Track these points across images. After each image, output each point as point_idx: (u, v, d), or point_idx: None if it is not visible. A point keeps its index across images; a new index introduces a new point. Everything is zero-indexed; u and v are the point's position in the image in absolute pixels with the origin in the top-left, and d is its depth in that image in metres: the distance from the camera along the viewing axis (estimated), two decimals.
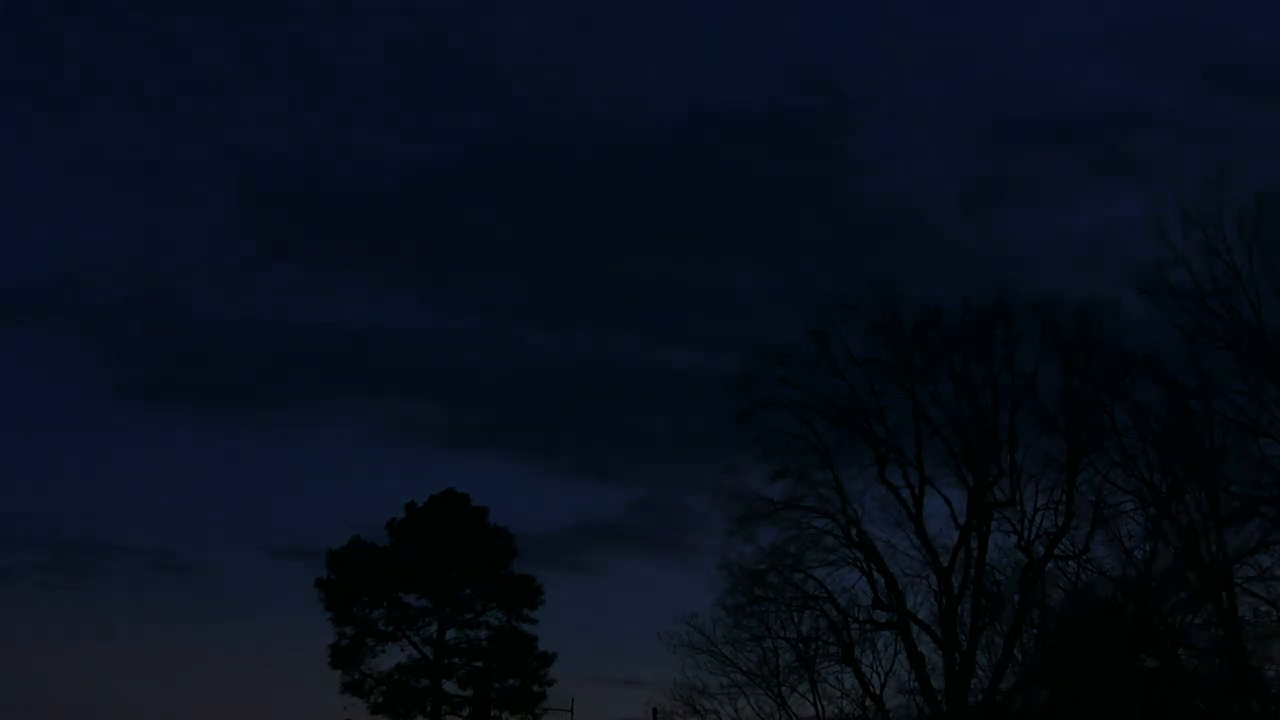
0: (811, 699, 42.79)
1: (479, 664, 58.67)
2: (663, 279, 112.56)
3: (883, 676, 41.85)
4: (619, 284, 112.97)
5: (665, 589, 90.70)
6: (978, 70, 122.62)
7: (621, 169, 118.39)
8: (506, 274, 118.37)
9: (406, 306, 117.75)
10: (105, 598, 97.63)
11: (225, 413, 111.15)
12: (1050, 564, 40.31)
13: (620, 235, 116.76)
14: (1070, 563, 40.26)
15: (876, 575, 41.74)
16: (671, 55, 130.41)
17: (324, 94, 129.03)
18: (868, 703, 41.87)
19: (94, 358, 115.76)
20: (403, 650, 58.83)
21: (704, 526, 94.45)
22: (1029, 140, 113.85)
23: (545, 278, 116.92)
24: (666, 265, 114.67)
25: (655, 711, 48.24)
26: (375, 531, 60.43)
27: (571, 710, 56.76)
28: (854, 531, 41.96)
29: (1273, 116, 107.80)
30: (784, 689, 42.91)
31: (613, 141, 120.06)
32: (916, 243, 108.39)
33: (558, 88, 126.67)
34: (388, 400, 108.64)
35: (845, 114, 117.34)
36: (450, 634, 59.10)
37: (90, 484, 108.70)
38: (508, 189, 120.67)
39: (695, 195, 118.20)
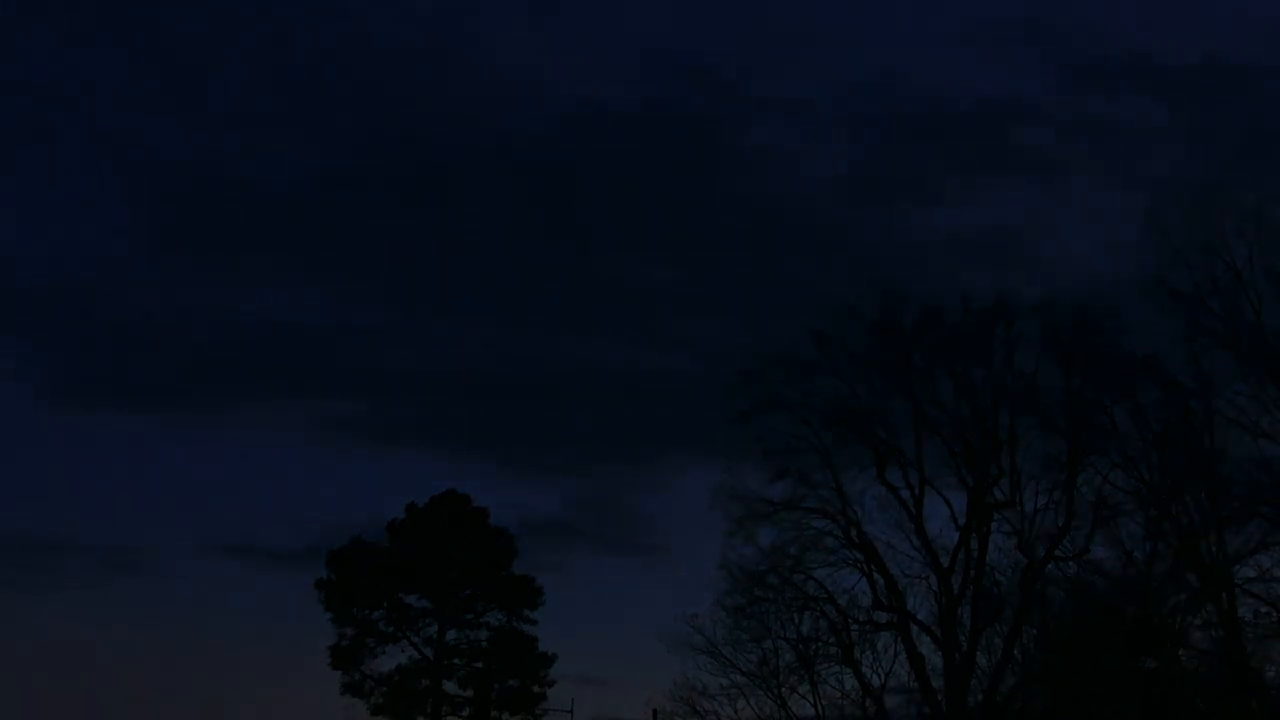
0: (811, 699, 42.82)
1: (479, 664, 58.68)
2: (569, 272, 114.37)
3: (883, 676, 41.91)
4: (527, 277, 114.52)
5: (614, 587, 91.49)
6: (851, 65, 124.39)
7: (508, 164, 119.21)
8: (412, 270, 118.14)
9: (323, 302, 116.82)
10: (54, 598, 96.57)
11: (147, 411, 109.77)
12: (1050, 564, 40.33)
13: (515, 229, 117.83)
14: (1070, 563, 40.29)
15: (876, 576, 41.78)
16: (548, 51, 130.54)
17: (217, 92, 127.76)
18: (868, 703, 41.86)
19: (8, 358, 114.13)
20: (403, 651, 58.88)
21: (653, 525, 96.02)
22: (909, 135, 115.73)
23: (449, 274, 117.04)
24: (568, 258, 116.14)
25: (655, 712, 48.29)
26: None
27: (572, 710, 56.86)
28: (854, 532, 42.00)
29: (1139, 108, 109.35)
30: (784, 689, 42.93)
31: (497, 140, 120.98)
32: (804, 238, 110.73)
33: (433, 85, 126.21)
34: (312, 398, 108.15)
35: (721, 109, 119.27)
36: (450, 634, 59.11)
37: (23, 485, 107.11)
38: (397, 187, 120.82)
39: (586, 190, 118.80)
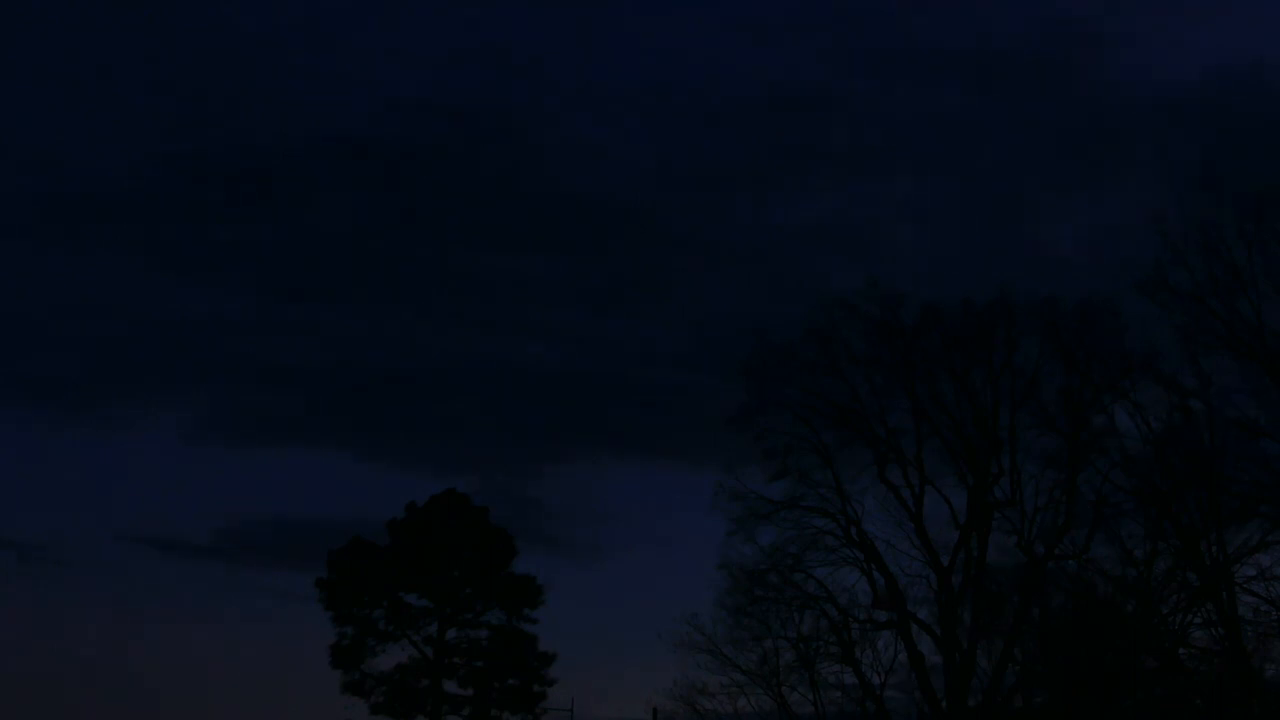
0: (811, 699, 42.81)
1: (479, 664, 58.66)
2: (425, 263, 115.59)
3: (883, 676, 41.92)
4: (392, 271, 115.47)
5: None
6: (659, 57, 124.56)
7: (346, 157, 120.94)
8: (275, 263, 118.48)
9: (196, 296, 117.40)
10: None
11: (38, 405, 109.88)
12: (1050, 564, 40.34)
13: (363, 221, 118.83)
14: (1070, 563, 40.30)
15: (876, 575, 41.85)
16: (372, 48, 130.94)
17: (95, 90, 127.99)
18: (868, 703, 41.87)
19: None
20: (403, 650, 58.87)
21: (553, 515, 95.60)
22: (722, 125, 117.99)
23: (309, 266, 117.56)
24: (418, 250, 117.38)
25: (655, 711, 48.31)
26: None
27: (572, 710, 56.87)
28: (854, 531, 42.06)
29: (938, 98, 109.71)
30: (784, 689, 42.92)
31: (333, 132, 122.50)
32: (626, 230, 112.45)
33: (267, 79, 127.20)
34: (201, 392, 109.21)
35: (541, 103, 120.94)
36: (450, 634, 59.08)
37: None
38: (239, 185, 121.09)
39: (426, 182, 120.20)
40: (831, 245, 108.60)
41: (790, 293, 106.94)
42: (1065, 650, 38.35)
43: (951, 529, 41.20)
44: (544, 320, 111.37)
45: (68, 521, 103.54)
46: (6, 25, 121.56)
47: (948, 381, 41.89)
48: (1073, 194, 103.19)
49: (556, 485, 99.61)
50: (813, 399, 42.65)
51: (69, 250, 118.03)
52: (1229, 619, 35.55)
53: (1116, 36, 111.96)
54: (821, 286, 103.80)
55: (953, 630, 40.28)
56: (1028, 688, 40.39)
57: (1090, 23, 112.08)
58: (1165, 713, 36.56)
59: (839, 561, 42.43)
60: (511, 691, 58.57)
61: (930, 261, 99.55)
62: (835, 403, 42.52)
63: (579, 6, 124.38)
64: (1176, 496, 37.10)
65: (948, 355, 41.94)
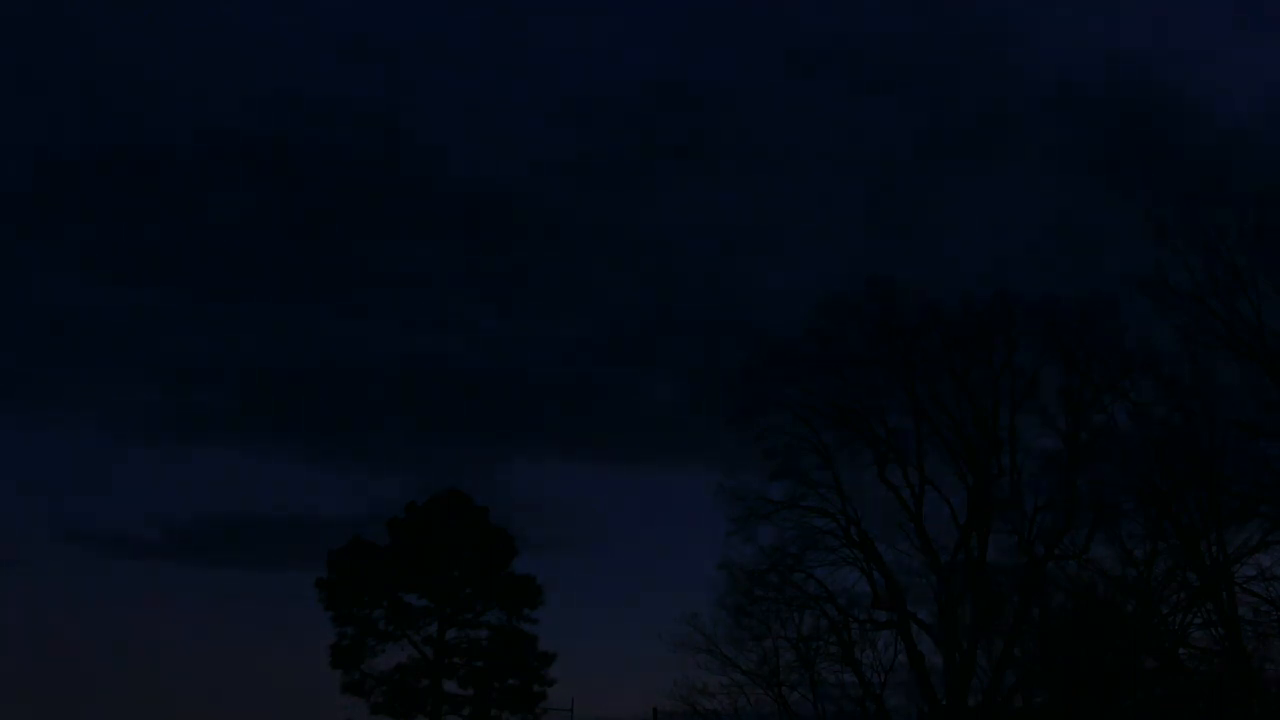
0: (811, 699, 42.81)
1: (479, 664, 58.68)
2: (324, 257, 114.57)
3: (883, 676, 41.93)
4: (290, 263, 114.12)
5: None
6: (551, 53, 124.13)
7: (244, 155, 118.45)
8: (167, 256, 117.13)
9: (109, 289, 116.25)
10: None
11: None
12: (1050, 564, 40.35)
13: (254, 217, 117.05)
14: (1070, 563, 40.30)
15: (876, 575, 41.87)
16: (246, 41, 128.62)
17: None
18: (868, 703, 41.88)
19: None
20: (403, 650, 58.89)
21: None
22: (604, 123, 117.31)
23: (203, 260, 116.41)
24: (311, 243, 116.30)
25: (655, 711, 48.32)
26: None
27: (572, 710, 56.89)
28: (854, 531, 42.08)
29: (856, 95, 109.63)
30: (784, 689, 42.92)
31: (210, 126, 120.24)
32: (527, 225, 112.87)
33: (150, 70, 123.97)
34: (120, 389, 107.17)
35: (431, 97, 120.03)
36: (450, 634, 59.11)
37: None
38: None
39: (318, 179, 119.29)
40: (734, 240, 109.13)
41: (698, 289, 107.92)
42: (1065, 650, 38.34)
43: (951, 529, 41.25)
44: (457, 315, 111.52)
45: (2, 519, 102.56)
46: None
47: (948, 381, 41.94)
48: (972, 186, 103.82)
49: (491, 482, 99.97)
50: (812, 399, 42.70)
51: None
52: (1229, 619, 35.55)
53: (1010, 26, 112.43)
54: (728, 283, 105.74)
55: (953, 630, 40.28)
56: (1028, 688, 40.38)
57: (983, 12, 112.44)
58: (1165, 713, 36.55)
59: (839, 561, 42.49)
60: (511, 691, 58.58)
61: (838, 258, 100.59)
62: (835, 403, 42.54)
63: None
64: (1176, 496, 37.09)
65: (948, 355, 41.98)
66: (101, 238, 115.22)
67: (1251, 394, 35.60)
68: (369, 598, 58.88)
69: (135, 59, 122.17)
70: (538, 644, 59.39)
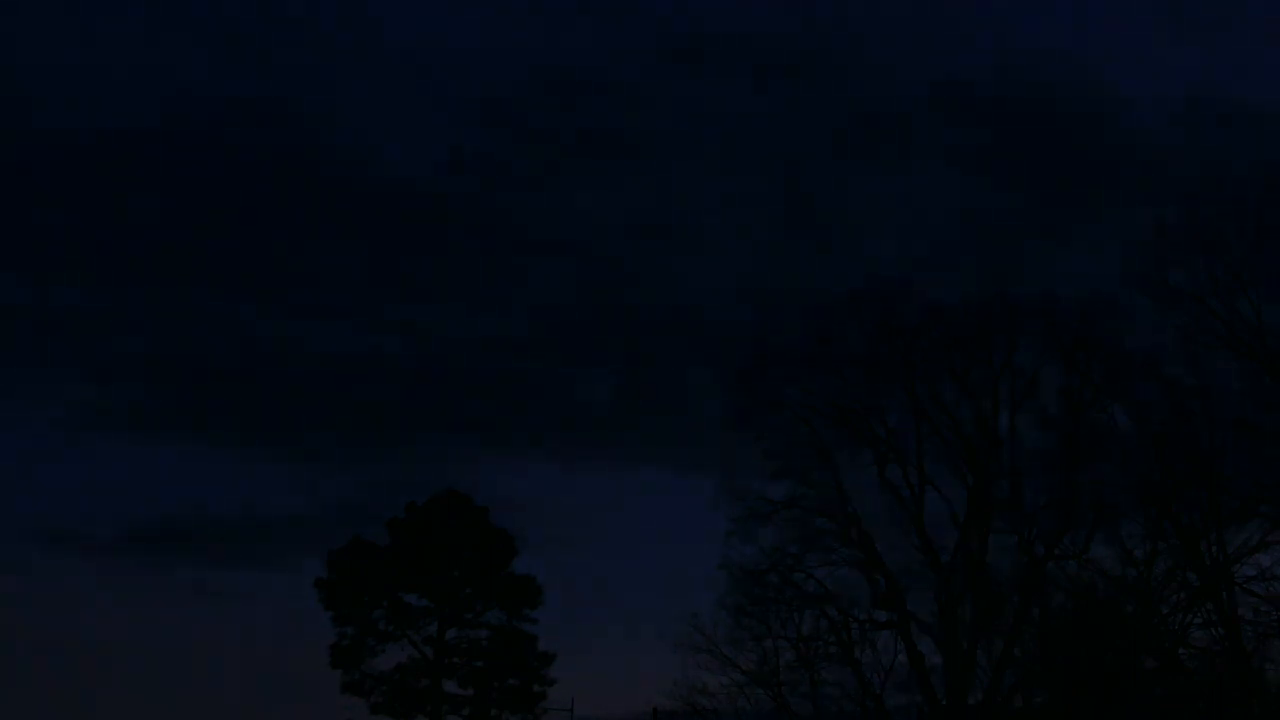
0: (811, 699, 42.79)
1: (479, 664, 58.71)
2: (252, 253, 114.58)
3: (883, 676, 41.90)
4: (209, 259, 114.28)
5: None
6: (445, 51, 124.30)
7: (150, 152, 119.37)
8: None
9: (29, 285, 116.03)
10: None
11: None
12: (1050, 564, 40.35)
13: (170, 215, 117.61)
14: (1070, 563, 40.30)
15: (876, 575, 41.82)
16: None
17: None
18: (868, 702, 41.88)
19: None
20: (403, 650, 58.91)
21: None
22: (514, 119, 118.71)
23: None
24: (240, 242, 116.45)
25: (655, 711, 48.29)
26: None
27: (572, 710, 56.91)
28: (854, 531, 42.04)
29: (744, 90, 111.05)
30: (784, 689, 42.91)
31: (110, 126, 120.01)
32: (439, 220, 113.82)
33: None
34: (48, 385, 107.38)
35: (334, 93, 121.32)
36: (450, 634, 59.13)
37: None
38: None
39: (225, 177, 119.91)
40: (652, 236, 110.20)
41: (618, 282, 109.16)
42: (1065, 650, 38.35)
43: (951, 529, 41.23)
44: (384, 310, 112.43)
45: None
46: None
47: (948, 381, 41.95)
48: (880, 183, 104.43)
49: (427, 477, 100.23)
50: (812, 399, 42.70)
51: None
52: (1229, 619, 35.56)
53: (895, 26, 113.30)
54: (649, 278, 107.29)
55: (953, 630, 40.28)
56: (1028, 688, 40.38)
57: (872, 11, 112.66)
58: (1165, 713, 36.56)
59: (839, 561, 42.47)
60: (511, 691, 58.61)
61: (750, 255, 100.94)
62: (835, 403, 42.55)
63: None
64: (1176, 496, 37.10)
65: (948, 355, 41.97)
66: (25, 235, 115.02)
67: (1251, 394, 35.61)
68: (369, 598, 58.93)
69: (53, 56, 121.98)
70: (538, 644, 59.49)
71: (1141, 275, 36.99)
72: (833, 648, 42.48)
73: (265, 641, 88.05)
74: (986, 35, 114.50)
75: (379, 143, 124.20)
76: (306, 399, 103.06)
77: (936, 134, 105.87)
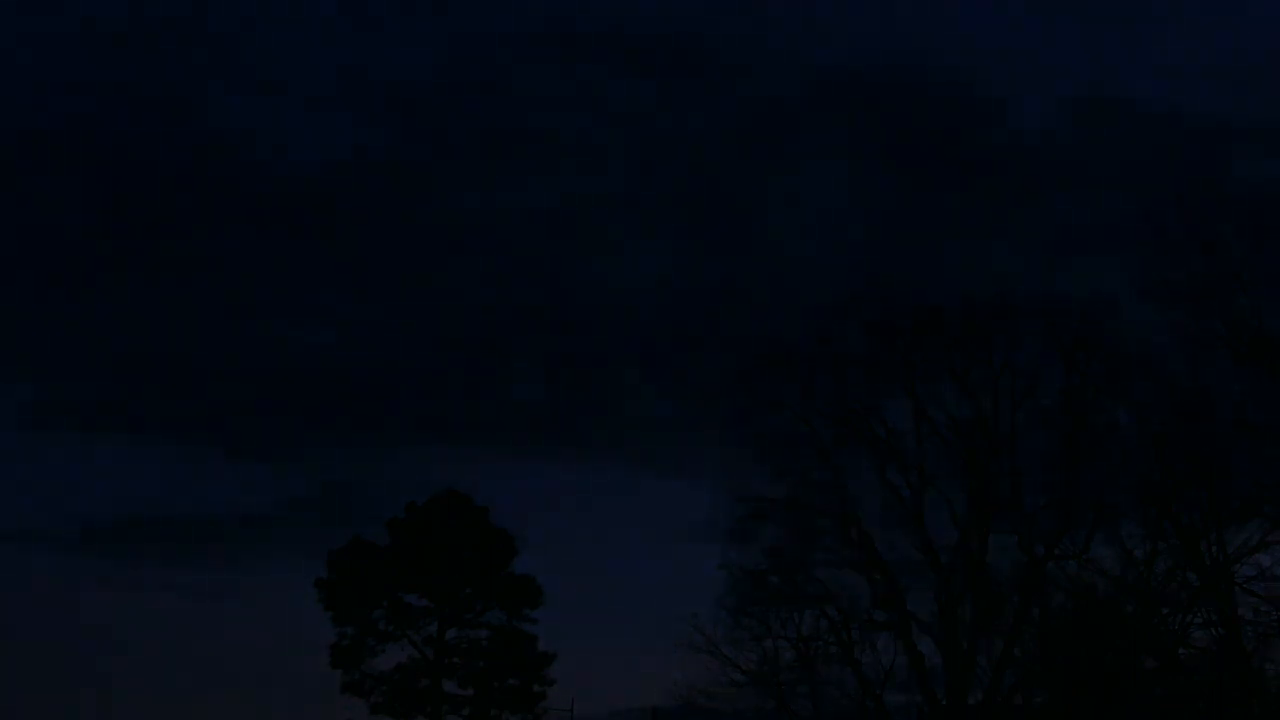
0: (811, 699, 42.79)
1: (479, 664, 58.71)
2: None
3: (883, 676, 41.89)
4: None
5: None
6: (347, 44, 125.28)
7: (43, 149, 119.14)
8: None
9: None
10: None
11: None
12: (1050, 564, 40.35)
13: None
14: (1070, 563, 40.30)
15: (876, 575, 41.81)
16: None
17: None
18: (868, 702, 41.88)
19: None
20: (403, 650, 58.92)
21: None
22: (412, 111, 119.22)
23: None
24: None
25: (655, 711, 48.28)
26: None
27: (572, 710, 56.91)
28: (854, 531, 42.04)
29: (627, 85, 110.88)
30: (784, 689, 42.89)
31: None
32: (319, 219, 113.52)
33: None
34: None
35: (232, 88, 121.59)
36: (450, 634, 59.14)
37: None
38: None
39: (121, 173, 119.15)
40: (559, 233, 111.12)
41: (536, 281, 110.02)
42: (1065, 650, 38.36)
43: (951, 529, 41.23)
44: (301, 305, 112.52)
45: None
46: None
47: (948, 381, 41.94)
48: (777, 180, 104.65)
49: (373, 472, 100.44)
50: (812, 399, 42.70)
51: None
52: (1229, 619, 35.56)
53: (784, 20, 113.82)
54: (552, 273, 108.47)
55: (953, 630, 40.28)
56: (1028, 688, 40.40)
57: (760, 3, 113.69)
58: (1165, 713, 36.57)
59: (839, 562, 42.45)
60: (511, 691, 58.62)
61: (655, 252, 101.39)
62: (835, 403, 42.57)
63: None
64: (1176, 496, 37.10)
65: (948, 355, 41.97)
66: None
67: (1251, 394, 35.62)
68: (369, 598, 58.93)
69: None
70: (538, 644, 59.49)
71: (1141, 275, 37.01)
72: (833, 648, 42.49)
73: (235, 639, 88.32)
74: (873, 30, 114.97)
75: (276, 137, 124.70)
76: (251, 395, 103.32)
77: (829, 128, 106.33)
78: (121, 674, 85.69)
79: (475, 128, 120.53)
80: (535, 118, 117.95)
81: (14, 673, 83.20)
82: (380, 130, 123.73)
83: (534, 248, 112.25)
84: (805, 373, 42.74)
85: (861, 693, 41.94)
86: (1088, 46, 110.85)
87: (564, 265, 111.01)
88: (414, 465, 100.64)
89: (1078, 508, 39.65)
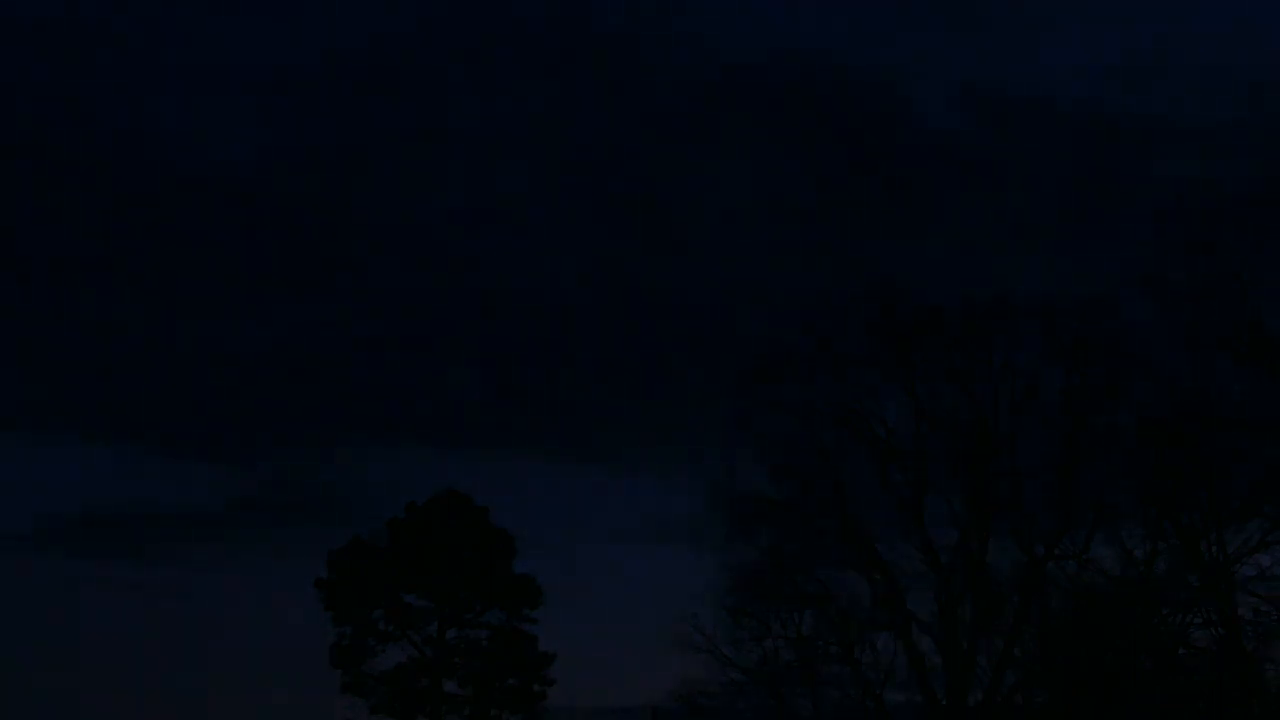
0: (811, 699, 42.79)
1: (479, 664, 58.74)
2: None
3: (882, 676, 41.89)
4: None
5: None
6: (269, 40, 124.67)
7: None
8: None
9: None
10: None
11: None
12: (1050, 564, 40.36)
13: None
14: (1070, 563, 40.31)
15: (876, 575, 41.81)
16: None
17: None
18: (867, 702, 41.88)
19: None
20: (403, 650, 58.94)
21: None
22: (317, 109, 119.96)
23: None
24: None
25: (655, 711, 48.26)
26: None
27: (572, 710, 56.92)
28: (854, 531, 42.04)
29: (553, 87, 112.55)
30: (784, 689, 42.89)
31: None
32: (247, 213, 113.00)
33: None
34: None
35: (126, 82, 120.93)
36: (450, 634, 59.16)
37: None
38: None
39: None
40: (481, 230, 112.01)
41: (469, 277, 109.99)
42: (1065, 650, 38.36)
43: (951, 529, 41.24)
44: (236, 301, 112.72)
45: None
46: None
47: (948, 382, 41.93)
48: (690, 177, 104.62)
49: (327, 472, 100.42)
50: (813, 400, 42.71)
51: None
52: (1229, 619, 35.57)
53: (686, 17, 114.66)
54: (493, 273, 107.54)
55: (953, 630, 40.29)
56: (1028, 688, 40.40)
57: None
58: (1165, 713, 36.56)
59: (839, 562, 42.44)
60: (511, 691, 58.65)
61: (569, 248, 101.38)
62: (835, 403, 42.58)
63: None
64: (1176, 496, 37.10)
65: (948, 355, 41.97)
66: None
67: (1251, 394, 35.62)
68: (369, 598, 58.95)
69: None
70: (538, 644, 59.51)
71: (1141, 275, 37.00)
72: (833, 648, 42.49)
73: (191, 636, 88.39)
74: (771, 27, 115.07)
75: (184, 131, 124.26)
76: (190, 393, 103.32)
77: (736, 125, 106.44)
78: (69, 670, 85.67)
79: (379, 124, 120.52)
80: (454, 117, 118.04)
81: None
82: (304, 126, 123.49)
83: (461, 244, 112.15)
84: (806, 374, 42.76)
85: (861, 693, 41.94)
86: (989, 44, 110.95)
87: (493, 262, 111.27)
88: (351, 465, 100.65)
89: (1078, 508, 39.67)
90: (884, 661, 41.85)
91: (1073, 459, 39.92)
